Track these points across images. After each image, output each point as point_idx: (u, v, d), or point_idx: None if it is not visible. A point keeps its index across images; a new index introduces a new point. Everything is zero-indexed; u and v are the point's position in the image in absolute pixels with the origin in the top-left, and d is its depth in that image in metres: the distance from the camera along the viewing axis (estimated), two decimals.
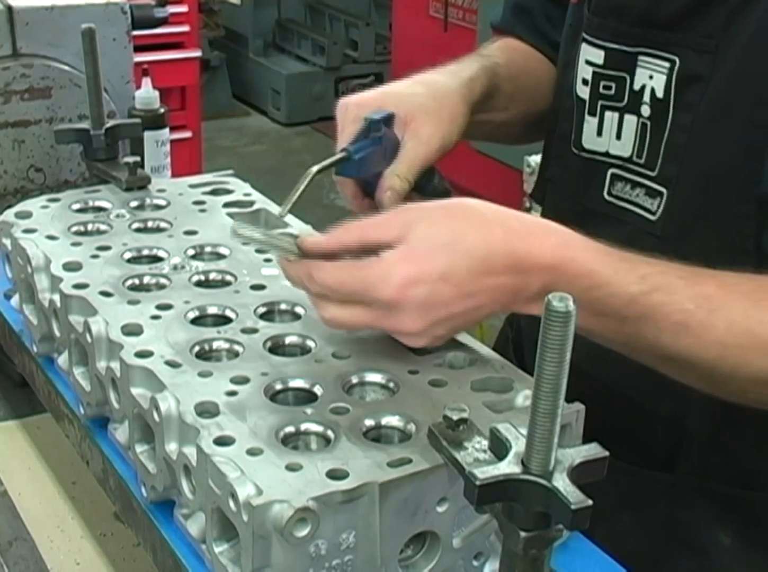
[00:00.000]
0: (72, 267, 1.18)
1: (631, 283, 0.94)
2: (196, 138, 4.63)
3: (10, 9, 1.61)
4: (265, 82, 6.78)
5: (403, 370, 1.00)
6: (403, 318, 0.92)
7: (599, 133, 1.20)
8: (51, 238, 1.25)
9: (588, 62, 1.20)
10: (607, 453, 0.73)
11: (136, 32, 1.72)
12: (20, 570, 1.17)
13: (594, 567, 1.00)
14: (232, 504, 0.82)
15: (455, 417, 0.77)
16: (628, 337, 0.96)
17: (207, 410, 0.92)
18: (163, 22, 1.84)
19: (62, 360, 1.17)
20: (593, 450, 0.73)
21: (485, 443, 0.75)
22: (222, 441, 0.87)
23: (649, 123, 1.14)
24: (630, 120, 1.16)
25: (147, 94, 1.71)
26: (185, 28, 4.57)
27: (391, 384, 0.98)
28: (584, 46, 1.21)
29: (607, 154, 1.19)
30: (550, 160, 1.33)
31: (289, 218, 1.34)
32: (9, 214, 1.32)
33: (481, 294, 0.93)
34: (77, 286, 1.13)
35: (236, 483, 0.81)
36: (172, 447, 0.92)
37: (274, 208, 1.37)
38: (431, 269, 0.91)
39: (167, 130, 1.74)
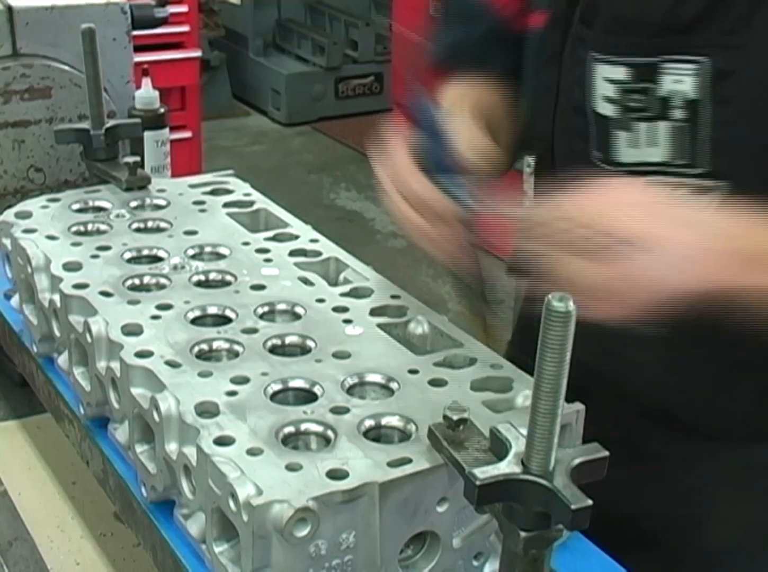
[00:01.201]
0: (72, 267, 1.18)
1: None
2: (196, 138, 4.62)
3: (10, 9, 1.61)
4: (265, 82, 6.77)
5: (403, 370, 1.00)
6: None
7: (633, 145, 1.20)
8: (51, 238, 1.25)
9: (608, 80, 1.20)
10: (607, 453, 0.73)
11: (136, 32, 1.72)
12: (20, 570, 1.17)
13: (594, 567, 1.00)
14: (232, 504, 0.82)
15: (455, 417, 0.77)
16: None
17: (207, 410, 0.92)
18: (163, 22, 1.84)
19: (62, 360, 1.17)
20: (593, 450, 0.73)
21: (485, 443, 0.75)
22: (222, 441, 0.87)
23: (686, 125, 1.14)
24: (663, 126, 1.16)
25: (147, 94, 1.71)
26: (185, 28, 4.56)
27: (391, 384, 0.98)
28: (598, 65, 1.20)
29: (644, 164, 1.19)
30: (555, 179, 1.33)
31: (289, 218, 1.34)
32: (9, 214, 1.32)
33: None
34: (77, 286, 1.13)
35: (236, 483, 0.81)
36: (172, 447, 0.92)
37: (274, 208, 1.37)
38: None
39: (167, 130, 1.74)
